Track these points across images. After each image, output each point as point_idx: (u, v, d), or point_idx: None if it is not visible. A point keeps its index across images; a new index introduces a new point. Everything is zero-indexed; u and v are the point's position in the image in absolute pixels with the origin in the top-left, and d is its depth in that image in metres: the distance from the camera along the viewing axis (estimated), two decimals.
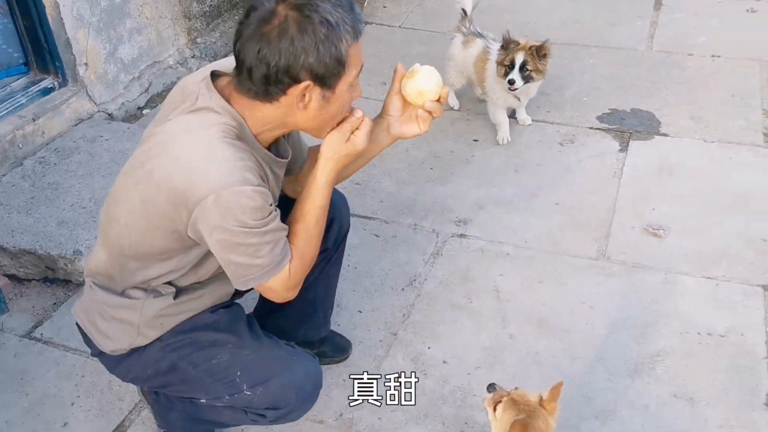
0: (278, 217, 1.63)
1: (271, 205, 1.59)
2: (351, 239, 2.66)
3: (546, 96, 3.71)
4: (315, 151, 1.84)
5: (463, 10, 3.51)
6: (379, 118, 1.83)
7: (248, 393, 1.76)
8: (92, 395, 2.26)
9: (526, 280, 2.62)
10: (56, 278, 2.68)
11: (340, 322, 2.46)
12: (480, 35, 3.42)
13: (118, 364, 1.86)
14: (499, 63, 3.15)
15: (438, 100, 1.76)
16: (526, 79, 3.12)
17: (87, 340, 1.89)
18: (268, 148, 1.70)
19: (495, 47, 3.25)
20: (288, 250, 1.66)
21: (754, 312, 2.42)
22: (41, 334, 2.48)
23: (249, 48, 1.50)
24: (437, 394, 2.22)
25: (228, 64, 1.64)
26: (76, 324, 1.88)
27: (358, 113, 1.70)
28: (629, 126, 3.46)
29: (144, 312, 1.75)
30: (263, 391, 1.76)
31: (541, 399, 1.69)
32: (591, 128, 3.47)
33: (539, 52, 3.10)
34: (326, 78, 1.53)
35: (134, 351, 1.80)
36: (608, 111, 3.59)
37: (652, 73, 3.89)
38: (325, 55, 1.50)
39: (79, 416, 2.19)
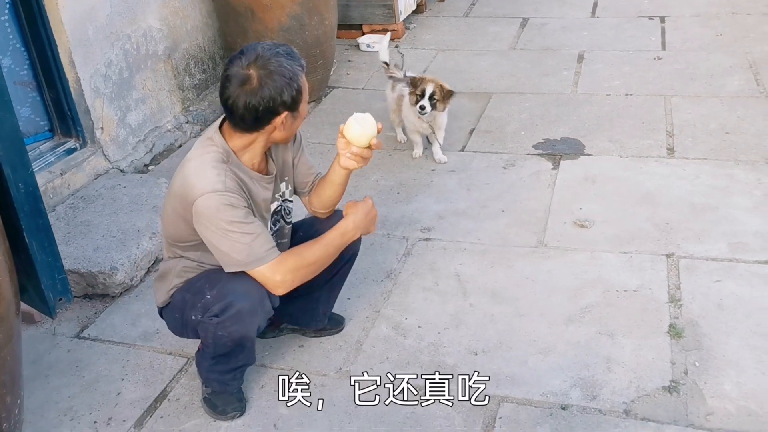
0: (249, 220, 2.24)
1: (244, 207, 2.25)
2: None
3: (490, 133, 4.44)
4: (325, 181, 2.61)
5: (384, 62, 4.34)
6: (337, 155, 2.53)
7: (208, 297, 2.31)
8: (137, 372, 2.79)
9: (481, 266, 3.24)
10: (95, 293, 3.22)
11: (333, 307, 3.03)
12: (400, 81, 4.24)
13: (168, 316, 2.52)
14: (412, 93, 3.93)
15: (369, 146, 2.41)
16: (433, 106, 3.87)
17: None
18: (261, 168, 2.43)
19: (405, 90, 4.08)
20: (266, 254, 2.24)
21: (659, 273, 3.07)
22: (88, 334, 3.02)
23: (240, 102, 2.23)
24: (415, 348, 2.79)
25: None
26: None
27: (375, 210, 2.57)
28: (560, 150, 4.18)
29: (177, 266, 2.44)
30: (217, 292, 2.29)
31: None
32: (528, 154, 4.18)
33: (447, 93, 3.90)
34: (294, 105, 2.28)
35: (171, 302, 2.48)
36: (542, 140, 4.31)
37: (578, 110, 4.66)
38: (291, 91, 2.24)
39: (129, 387, 2.72)
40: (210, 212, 2.20)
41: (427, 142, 4.26)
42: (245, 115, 2.22)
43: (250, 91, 2.18)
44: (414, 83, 3.93)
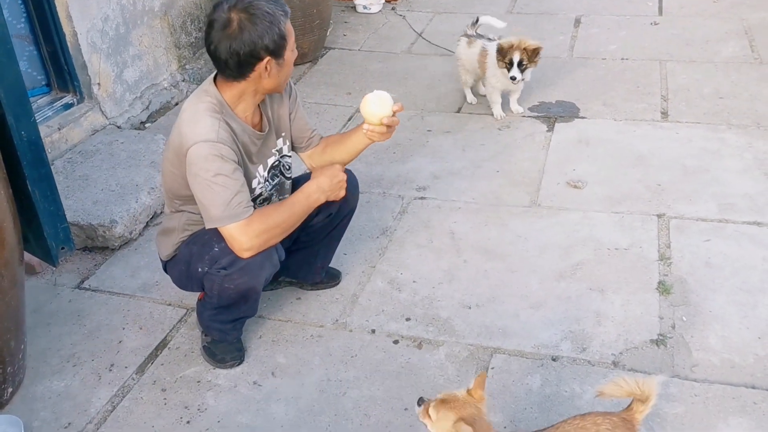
0: (234, 176, 2.24)
1: (233, 162, 2.26)
2: None
3: (485, 95, 4.45)
4: (342, 145, 2.63)
5: (477, 18, 4.31)
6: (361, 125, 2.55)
7: (216, 249, 2.34)
8: (138, 322, 2.84)
9: (475, 225, 3.30)
10: (95, 246, 3.26)
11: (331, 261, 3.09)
12: (480, 36, 4.20)
13: (173, 269, 2.55)
14: (500, 61, 3.94)
15: (382, 123, 2.44)
16: (523, 71, 3.91)
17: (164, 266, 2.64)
18: (255, 123, 2.45)
19: (490, 45, 4.05)
20: (241, 211, 2.24)
21: (649, 233, 3.13)
22: (88, 285, 3.07)
23: (222, 47, 2.24)
24: (410, 301, 2.86)
25: None
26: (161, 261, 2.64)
27: (344, 176, 2.47)
28: (554, 113, 4.21)
29: (180, 220, 2.48)
30: (225, 245, 2.30)
31: (468, 391, 1.86)
32: (523, 116, 4.21)
33: (534, 53, 3.91)
34: (278, 51, 2.26)
35: (176, 255, 2.52)
36: (537, 103, 4.35)
37: (573, 74, 4.68)
38: (273, 35, 2.23)
39: (130, 336, 2.78)
40: (199, 161, 2.22)
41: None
42: (228, 61, 2.22)
43: (231, 35, 2.18)
44: (501, 52, 3.93)
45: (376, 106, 2.43)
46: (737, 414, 2.27)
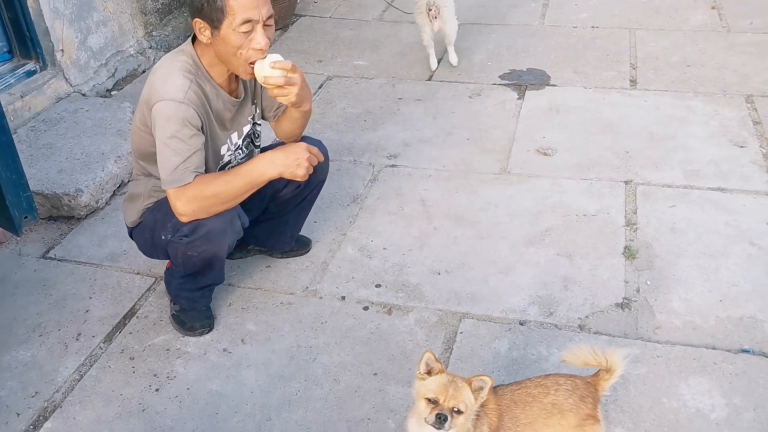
0: (190, 142, 2.20)
1: (194, 128, 2.21)
2: None
3: (456, 66, 4.44)
4: (284, 115, 2.56)
5: None
6: None
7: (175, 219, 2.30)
8: (105, 291, 2.82)
9: (446, 192, 3.30)
10: (60, 215, 3.21)
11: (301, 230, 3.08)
12: None
13: (138, 236, 2.53)
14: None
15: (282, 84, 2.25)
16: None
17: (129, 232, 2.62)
18: (232, 89, 2.41)
19: None
20: (183, 176, 2.20)
21: (617, 199, 3.17)
22: (54, 254, 3.03)
23: None
24: (380, 268, 2.87)
25: None
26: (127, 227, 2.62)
27: (307, 155, 2.31)
28: (525, 81, 4.22)
29: (147, 186, 2.45)
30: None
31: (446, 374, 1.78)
32: (494, 84, 4.21)
33: None
34: (211, 20, 2.20)
35: (141, 222, 2.50)
36: (508, 71, 4.34)
37: (544, 42, 4.68)
38: (203, 1, 2.17)
39: (98, 305, 2.75)
40: (162, 119, 2.19)
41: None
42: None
43: None
44: None
45: (260, 66, 2.26)
46: (698, 374, 2.32)
